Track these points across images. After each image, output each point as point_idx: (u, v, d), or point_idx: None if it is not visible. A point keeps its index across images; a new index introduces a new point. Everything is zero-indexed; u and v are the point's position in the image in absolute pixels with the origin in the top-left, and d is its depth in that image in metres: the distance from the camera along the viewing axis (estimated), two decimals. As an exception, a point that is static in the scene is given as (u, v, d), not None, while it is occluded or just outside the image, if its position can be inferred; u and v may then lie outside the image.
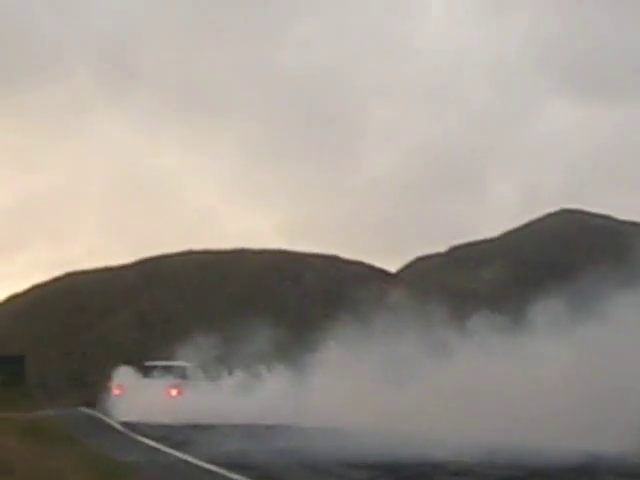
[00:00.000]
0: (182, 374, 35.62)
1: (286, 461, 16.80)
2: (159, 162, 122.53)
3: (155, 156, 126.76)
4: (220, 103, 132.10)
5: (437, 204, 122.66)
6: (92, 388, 36.38)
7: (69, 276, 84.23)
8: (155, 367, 35.95)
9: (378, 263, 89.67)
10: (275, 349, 36.17)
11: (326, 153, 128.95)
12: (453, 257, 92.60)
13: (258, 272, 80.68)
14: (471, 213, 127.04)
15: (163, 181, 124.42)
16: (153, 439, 21.85)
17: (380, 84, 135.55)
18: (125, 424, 27.81)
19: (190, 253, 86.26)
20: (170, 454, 18.20)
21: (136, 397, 32.37)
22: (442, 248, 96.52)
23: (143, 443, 21.45)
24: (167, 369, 35.77)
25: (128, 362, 35.78)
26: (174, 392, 34.38)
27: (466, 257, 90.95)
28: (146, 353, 36.62)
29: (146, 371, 35.30)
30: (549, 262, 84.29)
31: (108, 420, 29.89)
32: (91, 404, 37.46)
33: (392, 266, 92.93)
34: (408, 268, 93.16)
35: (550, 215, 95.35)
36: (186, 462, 16.43)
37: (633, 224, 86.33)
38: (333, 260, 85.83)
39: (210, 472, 14.79)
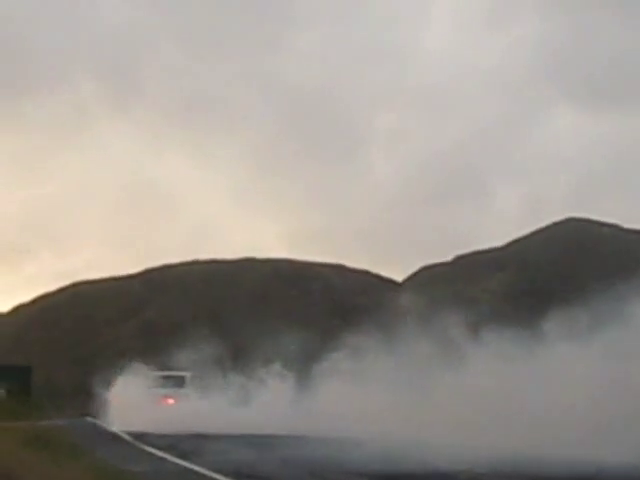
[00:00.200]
0: (183, 383, 35.61)
1: (293, 471, 16.75)
2: (164, 172, 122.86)
3: (160, 166, 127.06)
4: (224, 113, 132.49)
5: (443, 213, 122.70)
6: (97, 398, 36.36)
7: (75, 286, 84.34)
8: (159, 377, 35.94)
9: (384, 272, 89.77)
10: (281, 358, 36.13)
11: (332, 163, 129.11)
12: (459, 266, 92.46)
13: (264, 281, 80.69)
14: (477, 222, 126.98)
15: (168, 191, 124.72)
16: (160, 449, 21.80)
17: (384, 93, 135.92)
18: (131, 433, 27.77)
19: (195, 263, 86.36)
20: (177, 464, 18.15)
21: (134, 406, 32.34)
22: (448, 257, 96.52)
23: (150, 453, 21.41)
24: (168, 379, 35.76)
25: (128, 371, 35.71)
26: (171, 401, 34.38)
27: (472, 266, 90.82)
28: (151, 362, 36.54)
29: (148, 380, 35.28)
30: (555, 271, 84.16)
31: (115, 430, 29.84)
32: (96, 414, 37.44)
33: (398, 275, 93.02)
34: (414, 277, 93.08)
35: (556, 224, 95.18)
36: (194, 472, 16.39)
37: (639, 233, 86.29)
38: (339, 269, 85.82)
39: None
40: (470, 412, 22.89)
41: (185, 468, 17.19)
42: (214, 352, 37.19)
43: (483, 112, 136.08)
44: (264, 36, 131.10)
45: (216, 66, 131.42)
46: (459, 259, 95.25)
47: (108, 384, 35.95)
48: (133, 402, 33.00)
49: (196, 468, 16.75)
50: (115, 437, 27.70)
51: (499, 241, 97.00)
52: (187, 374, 36.42)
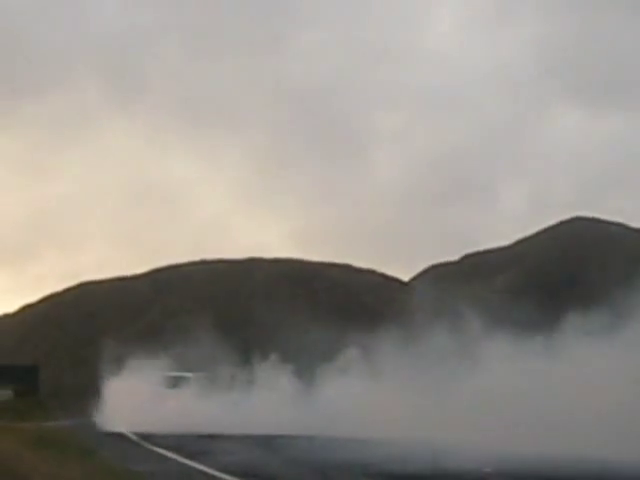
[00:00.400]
0: (189, 384, 35.59)
1: (301, 471, 16.69)
2: (171, 172, 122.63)
3: (167, 166, 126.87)
4: (231, 112, 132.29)
5: (449, 212, 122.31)
6: (99, 397, 36.27)
7: (81, 286, 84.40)
8: (166, 377, 35.91)
9: (391, 272, 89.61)
10: (289, 358, 36.05)
11: (338, 162, 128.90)
12: (466, 266, 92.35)
13: (270, 281, 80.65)
14: (484, 221, 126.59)
15: (175, 191, 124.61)
16: (166, 448, 21.75)
17: (391, 92, 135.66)
18: (138, 434, 27.73)
19: (202, 263, 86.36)
20: (184, 464, 18.10)
21: (136, 406, 32.28)
22: (455, 257, 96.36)
23: (156, 452, 21.37)
24: (174, 379, 35.73)
25: (129, 371, 35.56)
26: (176, 401, 34.32)
27: (479, 265, 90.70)
28: (158, 363, 36.44)
29: (153, 380, 35.22)
30: (562, 270, 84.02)
31: (121, 430, 29.81)
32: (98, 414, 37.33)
33: (405, 275, 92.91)
34: (421, 277, 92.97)
35: (563, 223, 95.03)
36: (200, 472, 16.33)
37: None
38: (346, 269, 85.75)
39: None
40: (483, 412, 22.75)
41: (192, 468, 17.14)
42: (220, 352, 37.13)
43: (490, 111, 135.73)
44: (267, 36, 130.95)
45: (220, 66, 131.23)
46: (466, 258, 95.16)
47: (110, 384, 35.85)
48: (136, 402, 32.90)
49: (203, 468, 16.70)
50: (121, 437, 27.68)
51: (506, 240, 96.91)
52: (193, 375, 36.34)
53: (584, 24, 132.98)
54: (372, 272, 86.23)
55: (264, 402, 32.62)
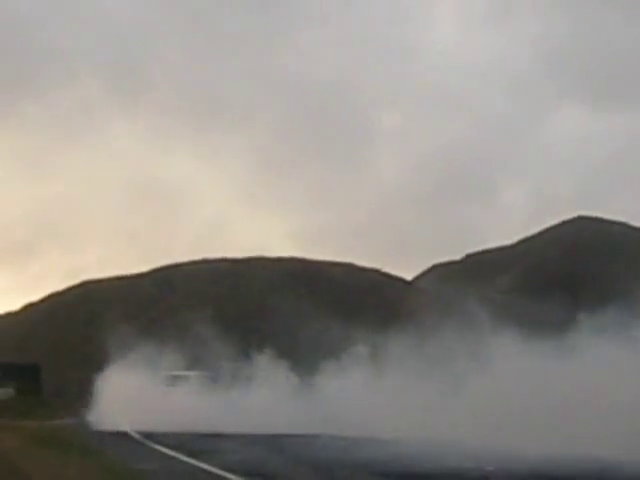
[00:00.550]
0: (190, 382, 35.58)
1: (304, 470, 16.66)
2: (173, 171, 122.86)
3: (169, 165, 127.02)
4: (233, 111, 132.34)
5: (452, 212, 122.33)
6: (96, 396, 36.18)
7: (84, 285, 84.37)
8: (168, 376, 35.90)
9: (394, 271, 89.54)
10: (291, 357, 36.02)
11: (341, 161, 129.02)
12: (469, 265, 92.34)
13: (273, 280, 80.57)
14: (487, 221, 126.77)
15: (177, 190, 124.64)
16: (169, 447, 21.72)
17: (392, 91, 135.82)
18: (140, 432, 27.71)
19: (204, 262, 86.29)
20: (186, 462, 18.06)
21: (134, 405, 32.26)
22: (458, 256, 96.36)
23: (159, 451, 21.33)
24: (176, 378, 35.71)
25: (127, 369, 35.45)
26: (178, 399, 34.29)
27: (482, 265, 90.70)
28: (160, 361, 36.42)
29: (155, 379, 35.19)
30: (565, 269, 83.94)
31: (123, 428, 29.77)
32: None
33: (408, 274, 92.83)
34: (424, 276, 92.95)
35: (565, 222, 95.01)
36: (203, 470, 16.29)
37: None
38: (348, 268, 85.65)
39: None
40: (488, 411, 22.69)
41: (195, 467, 17.11)
42: (222, 351, 37.10)
43: (493, 110, 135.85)
44: (270, 35, 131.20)
45: (223, 64, 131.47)
46: (469, 257, 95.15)
47: (111, 382, 35.77)
48: (137, 401, 32.86)
49: (206, 466, 16.66)
50: (124, 436, 27.65)
51: (509, 239, 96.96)
52: (194, 373, 36.32)
53: (584, 22, 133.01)
54: (375, 271, 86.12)
55: (265, 400, 32.59)
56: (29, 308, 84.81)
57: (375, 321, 30.67)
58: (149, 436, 26.07)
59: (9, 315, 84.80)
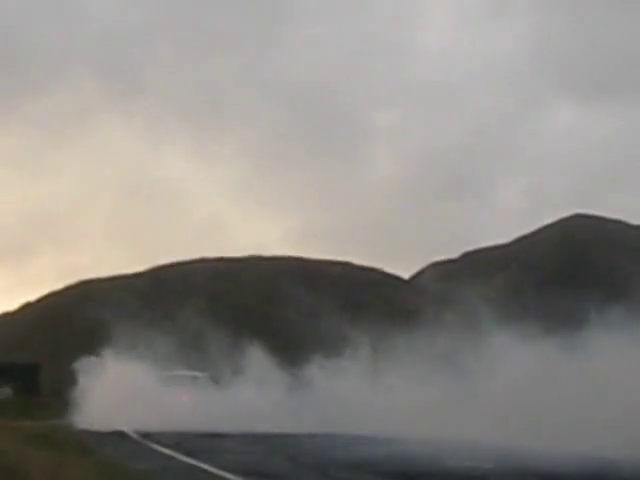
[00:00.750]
0: (190, 383, 35.56)
1: (304, 470, 16.65)
2: (170, 170, 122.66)
3: (167, 164, 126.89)
4: (229, 110, 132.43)
5: (450, 210, 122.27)
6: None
7: (81, 284, 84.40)
8: (167, 376, 35.86)
9: (391, 270, 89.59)
10: (290, 356, 36.03)
11: (338, 160, 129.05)
12: (466, 263, 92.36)
13: (271, 279, 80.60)
14: (483, 219, 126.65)
15: (174, 189, 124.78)
16: (167, 447, 21.70)
17: (388, 90, 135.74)
18: (139, 432, 27.69)
19: (202, 261, 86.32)
20: (185, 462, 18.04)
21: (131, 405, 32.19)
22: (455, 254, 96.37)
23: (157, 451, 21.31)
24: (174, 378, 35.69)
25: (125, 369, 35.34)
26: (180, 398, 34.22)
27: (479, 263, 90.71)
28: (157, 360, 36.37)
29: (150, 379, 35.15)
30: (562, 267, 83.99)
31: (122, 428, 29.74)
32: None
33: (405, 272, 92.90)
34: (421, 274, 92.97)
35: (563, 220, 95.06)
36: (202, 470, 16.27)
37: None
38: (346, 267, 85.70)
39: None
40: (488, 410, 22.69)
41: (193, 466, 17.09)
42: (220, 350, 37.06)
43: (489, 108, 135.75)
44: (267, 33, 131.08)
45: (218, 63, 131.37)
46: (466, 256, 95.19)
47: (109, 382, 35.69)
48: (135, 401, 32.80)
49: (204, 466, 16.64)
50: (123, 436, 27.64)
51: (506, 238, 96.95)
52: (192, 373, 36.32)
53: (581, 19, 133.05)
54: (373, 270, 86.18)
55: (263, 400, 32.59)
56: (27, 308, 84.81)
57: (373, 319, 30.62)
58: (147, 435, 26.07)
59: (7, 315, 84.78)
